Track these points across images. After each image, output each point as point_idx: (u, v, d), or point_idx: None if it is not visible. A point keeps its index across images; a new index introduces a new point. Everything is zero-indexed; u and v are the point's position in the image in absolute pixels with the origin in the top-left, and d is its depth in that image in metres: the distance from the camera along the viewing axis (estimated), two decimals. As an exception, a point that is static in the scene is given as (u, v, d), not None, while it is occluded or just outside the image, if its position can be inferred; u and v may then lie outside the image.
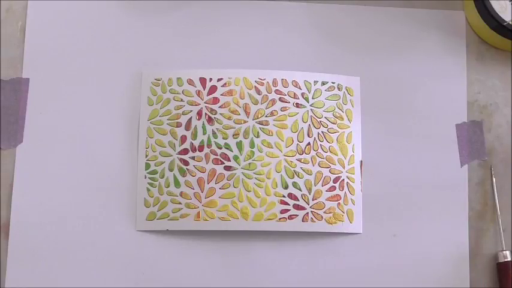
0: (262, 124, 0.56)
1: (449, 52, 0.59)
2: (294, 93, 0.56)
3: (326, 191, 0.55)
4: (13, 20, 0.57)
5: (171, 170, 0.55)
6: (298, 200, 0.55)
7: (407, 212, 0.56)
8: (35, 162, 0.55)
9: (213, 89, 0.56)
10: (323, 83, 0.57)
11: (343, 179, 0.56)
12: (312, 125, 0.56)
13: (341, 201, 0.55)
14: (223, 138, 0.55)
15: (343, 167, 0.56)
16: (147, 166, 0.55)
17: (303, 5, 0.59)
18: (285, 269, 0.55)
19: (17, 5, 0.58)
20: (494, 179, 0.57)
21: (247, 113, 0.56)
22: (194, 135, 0.55)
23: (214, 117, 0.55)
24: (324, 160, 0.55)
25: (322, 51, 0.58)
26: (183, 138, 0.55)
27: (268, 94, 0.56)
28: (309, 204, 0.55)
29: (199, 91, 0.56)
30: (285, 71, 0.57)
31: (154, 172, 0.55)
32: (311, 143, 0.56)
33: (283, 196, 0.55)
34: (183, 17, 0.58)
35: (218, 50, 0.58)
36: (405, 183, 0.57)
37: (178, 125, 0.55)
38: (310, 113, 0.56)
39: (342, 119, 0.57)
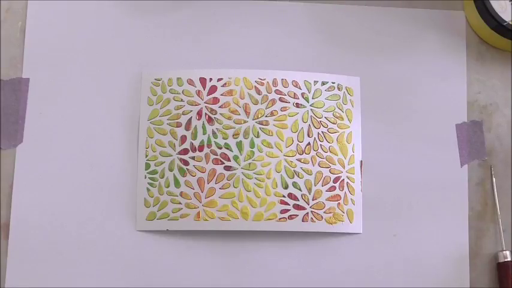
0: (262, 124, 0.56)
1: (449, 52, 0.59)
2: (294, 93, 0.56)
3: (326, 191, 0.55)
4: (13, 20, 0.57)
5: (171, 170, 0.55)
6: (298, 200, 0.55)
7: (407, 212, 0.56)
8: (35, 162, 0.55)
9: (213, 89, 0.56)
10: (323, 83, 0.57)
11: (343, 179, 0.56)
12: (312, 125, 0.56)
13: (341, 201, 0.55)
14: (223, 138, 0.55)
15: (343, 167, 0.56)
16: (147, 166, 0.55)
17: (303, 5, 0.59)
18: (285, 269, 0.55)
19: (17, 5, 0.58)
20: (494, 179, 0.57)
21: (247, 113, 0.56)
22: (194, 135, 0.55)
23: (214, 117, 0.55)
24: (324, 160, 0.55)
25: (322, 51, 0.58)
26: (183, 138, 0.55)
27: (268, 94, 0.56)
28: (309, 204, 0.55)
29: (199, 91, 0.56)
30: (285, 71, 0.57)
31: (154, 172, 0.55)
32: (311, 143, 0.56)
33: (283, 196, 0.55)
34: (183, 17, 0.58)
35: (218, 50, 0.58)
36: (405, 183, 0.57)
37: (178, 125, 0.55)
38: (310, 113, 0.56)
39: (342, 119, 0.57)
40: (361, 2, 0.59)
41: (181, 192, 0.54)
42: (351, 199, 0.56)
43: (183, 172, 0.55)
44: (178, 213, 0.54)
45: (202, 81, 0.56)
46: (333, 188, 0.55)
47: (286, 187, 0.55)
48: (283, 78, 0.57)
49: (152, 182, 0.55)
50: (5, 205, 0.55)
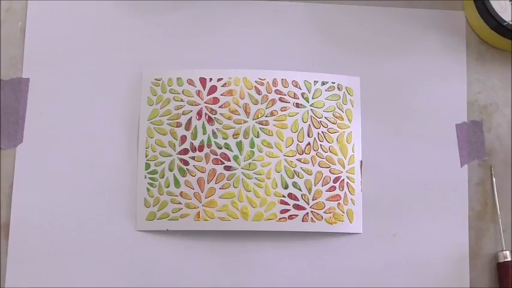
0: (262, 124, 0.56)
1: (449, 52, 0.59)
2: (294, 93, 0.56)
3: (326, 191, 0.55)
4: (13, 20, 0.57)
5: (171, 170, 0.55)
6: (298, 200, 0.55)
7: (407, 212, 0.56)
8: (35, 162, 0.55)
9: (213, 89, 0.56)
10: (323, 83, 0.57)
11: (343, 179, 0.56)
12: (312, 125, 0.56)
13: (341, 201, 0.55)
14: (223, 138, 0.55)
15: (343, 167, 0.56)
16: (147, 166, 0.55)
17: (303, 5, 0.59)
18: (285, 269, 0.55)
19: (17, 5, 0.58)
20: (494, 179, 0.57)
21: (247, 113, 0.56)
22: (194, 135, 0.55)
23: (214, 117, 0.55)
24: (324, 160, 0.55)
25: (322, 51, 0.58)
26: (183, 138, 0.55)
27: (268, 94, 0.56)
28: (309, 204, 0.55)
29: (199, 91, 0.56)
30: (285, 71, 0.57)
31: (154, 172, 0.55)
32: (311, 143, 0.56)
33: (283, 196, 0.55)
34: (183, 17, 0.58)
35: (218, 50, 0.58)
36: (405, 183, 0.57)
37: (178, 125, 0.55)
38: (310, 113, 0.56)
39: (342, 119, 0.57)
40: (361, 2, 0.59)
41: (181, 192, 0.54)
42: (351, 199, 0.56)
43: (183, 172, 0.55)
44: (178, 213, 0.54)
45: (202, 81, 0.56)
46: (333, 188, 0.55)
47: (286, 187, 0.55)
48: (283, 78, 0.57)
49: (152, 182, 0.55)
50: (5, 205, 0.55)
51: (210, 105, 0.56)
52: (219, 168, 0.55)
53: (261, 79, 0.56)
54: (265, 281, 0.55)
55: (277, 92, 0.56)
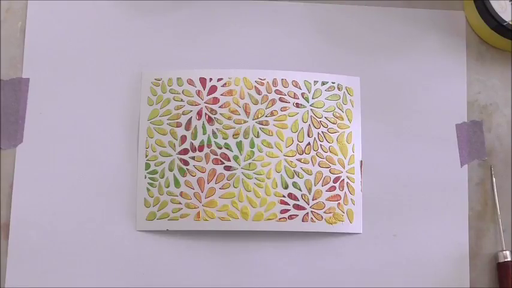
0: (262, 124, 0.56)
1: (449, 52, 0.59)
2: (294, 93, 0.56)
3: (326, 191, 0.55)
4: (13, 20, 0.57)
5: (171, 170, 0.55)
6: (298, 200, 0.55)
7: (407, 212, 0.56)
8: (35, 162, 0.55)
9: (213, 89, 0.56)
10: (323, 83, 0.57)
11: (343, 179, 0.56)
12: (312, 125, 0.56)
13: (341, 201, 0.55)
14: (223, 138, 0.55)
15: (343, 167, 0.56)
16: (147, 166, 0.55)
17: (303, 5, 0.59)
18: (285, 269, 0.55)
19: (17, 5, 0.58)
20: (494, 179, 0.57)
21: (247, 113, 0.56)
22: (194, 135, 0.55)
23: (214, 117, 0.55)
24: (324, 160, 0.55)
25: (322, 51, 0.58)
26: (183, 138, 0.55)
27: (268, 94, 0.56)
28: (309, 204, 0.55)
29: (199, 91, 0.56)
30: (285, 71, 0.57)
31: (154, 172, 0.55)
32: (311, 143, 0.56)
33: (283, 196, 0.55)
34: (183, 17, 0.58)
35: (218, 50, 0.58)
36: (405, 183, 0.57)
37: (178, 125, 0.55)
38: (310, 113, 0.56)
39: (342, 119, 0.57)
40: (361, 2, 0.59)
41: (181, 192, 0.54)
42: (351, 199, 0.56)
43: (183, 172, 0.55)
44: (178, 213, 0.54)
45: (202, 81, 0.56)
46: (333, 188, 0.55)
47: (286, 187, 0.55)
48: (283, 78, 0.57)
49: (152, 182, 0.55)
50: (5, 205, 0.55)
51: (210, 105, 0.56)
52: (219, 168, 0.55)
53: (261, 79, 0.56)
54: (265, 281, 0.55)
55: (277, 92, 0.56)
